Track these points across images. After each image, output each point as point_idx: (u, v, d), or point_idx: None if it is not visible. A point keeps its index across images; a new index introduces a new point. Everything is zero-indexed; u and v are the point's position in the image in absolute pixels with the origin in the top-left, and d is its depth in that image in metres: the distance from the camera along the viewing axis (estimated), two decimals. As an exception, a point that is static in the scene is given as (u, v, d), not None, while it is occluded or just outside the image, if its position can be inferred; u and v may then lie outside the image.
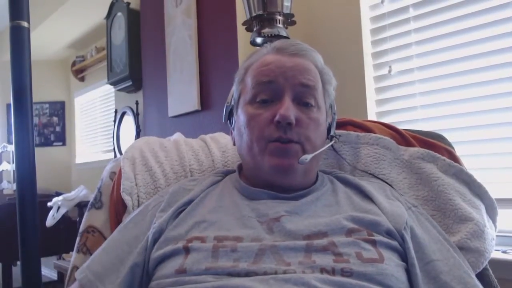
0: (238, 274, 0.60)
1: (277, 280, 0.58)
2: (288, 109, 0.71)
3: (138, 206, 0.85)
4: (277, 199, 0.73)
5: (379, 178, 0.87)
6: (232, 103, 0.84)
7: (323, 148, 0.78)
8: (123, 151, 0.96)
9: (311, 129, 0.74)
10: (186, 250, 0.64)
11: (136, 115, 2.76)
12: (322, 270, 0.60)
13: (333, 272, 0.60)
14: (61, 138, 4.24)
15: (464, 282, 0.66)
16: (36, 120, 4.13)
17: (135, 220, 0.76)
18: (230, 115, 0.85)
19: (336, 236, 0.66)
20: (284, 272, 0.59)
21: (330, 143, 0.83)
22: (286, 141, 0.72)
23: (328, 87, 0.81)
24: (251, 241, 0.65)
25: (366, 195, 0.76)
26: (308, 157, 0.72)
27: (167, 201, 0.76)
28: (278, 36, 1.47)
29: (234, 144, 0.84)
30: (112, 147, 3.12)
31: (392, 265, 0.63)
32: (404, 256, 0.67)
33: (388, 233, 0.68)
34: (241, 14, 1.74)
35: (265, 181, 0.76)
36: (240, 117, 0.79)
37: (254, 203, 0.73)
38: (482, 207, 0.84)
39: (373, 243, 0.65)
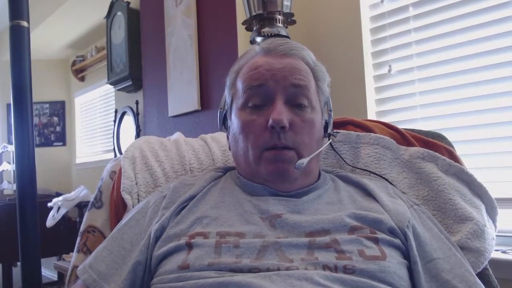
0: (241, 270, 0.60)
1: (280, 276, 0.58)
2: (280, 113, 0.70)
3: (138, 205, 0.85)
4: (278, 196, 0.73)
5: (379, 176, 0.88)
6: (226, 107, 0.84)
7: (320, 150, 0.77)
8: (123, 151, 0.95)
9: (306, 132, 0.74)
10: (189, 246, 0.64)
11: (136, 115, 2.76)
12: (325, 267, 0.60)
13: (335, 269, 0.60)
14: (61, 138, 4.24)
15: (465, 280, 0.66)
16: (36, 120, 4.13)
17: (136, 218, 0.75)
18: (224, 119, 0.85)
19: (338, 234, 0.66)
20: (287, 269, 0.59)
21: (328, 143, 0.82)
22: (281, 148, 0.71)
23: (321, 84, 0.80)
24: (254, 237, 0.65)
25: (368, 193, 0.76)
26: (304, 161, 0.72)
27: (169, 197, 0.76)
28: (278, 36, 1.47)
29: (230, 149, 0.83)
30: (112, 147, 3.12)
31: (394, 263, 0.63)
32: (406, 254, 0.67)
33: (391, 231, 0.68)
34: (241, 13, 1.75)
35: (263, 183, 0.75)
36: (234, 123, 0.78)
37: (255, 199, 0.73)
38: (482, 207, 0.84)
39: (376, 240, 0.65)
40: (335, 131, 0.84)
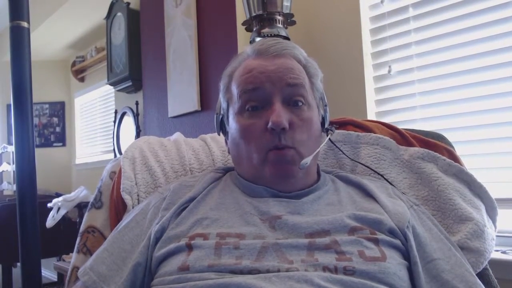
0: (241, 272, 0.60)
1: (279, 277, 0.58)
2: (280, 115, 0.70)
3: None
4: (278, 198, 0.73)
5: (380, 174, 0.88)
6: (222, 112, 0.83)
7: (321, 146, 0.78)
8: (123, 151, 0.96)
9: (304, 131, 0.74)
10: (189, 247, 0.64)
11: (136, 116, 2.76)
12: (325, 268, 0.60)
13: (335, 270, 0.60)
14: (61, 138, 4.24)
15: (465, 280, 0.66)
16: (36, 120, 4.13)
17: (136, 219, 0.75)
18: (221, 123, 0.84)
19: (338, 235, 0.66)
20: (287, 270, 0.59)
21: (327, 138, 0.82)
22: (282, 148, 0.72)
23: (315, 80, 0.80)
24: (254, 238, 0.65)
25: (368, 194, 0.76)
26: (308, 160, 0.72)
27: (169, 199, 0.76)
28: (278, 36, 1.47)
29: (229, 153, 0.83)
30: (112, 148, 3.12)
31: (394, 264, 0.63)
32: (406, 254, 0.67)
33: (391, 232, 0.68)
34: (241, 14, 1.75)
35: (265, 185, 0.75)
36: (233, 128, 0.77)
37: (255, 201, 0.73)
38: (482, 207, 0.84)
39: (376, 241, 0.65)
40: (332, 125, 0.84)
